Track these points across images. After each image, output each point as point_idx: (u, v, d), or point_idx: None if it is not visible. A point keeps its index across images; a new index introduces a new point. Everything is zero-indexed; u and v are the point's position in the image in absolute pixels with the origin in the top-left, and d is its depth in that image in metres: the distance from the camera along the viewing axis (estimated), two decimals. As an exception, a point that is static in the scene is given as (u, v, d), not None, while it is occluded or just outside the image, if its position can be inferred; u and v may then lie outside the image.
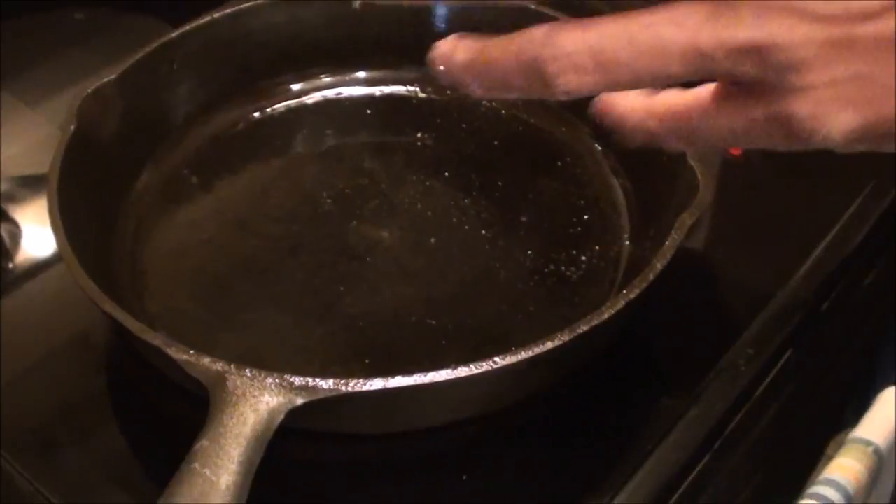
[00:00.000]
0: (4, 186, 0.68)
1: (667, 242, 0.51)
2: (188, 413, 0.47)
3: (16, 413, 0.54)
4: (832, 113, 0.37)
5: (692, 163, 0.54)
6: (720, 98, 0.40)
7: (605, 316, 0.48)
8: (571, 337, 0.47)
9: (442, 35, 0.67)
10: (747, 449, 0.56)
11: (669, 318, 0.58)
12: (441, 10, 0.68)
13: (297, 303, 0.57)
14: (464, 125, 0.68)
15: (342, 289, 0.58)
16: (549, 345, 0.46)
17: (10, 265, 0.64)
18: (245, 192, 0.64)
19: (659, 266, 0.50)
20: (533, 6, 0.64)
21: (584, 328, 0.47)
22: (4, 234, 0.66)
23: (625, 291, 0.49)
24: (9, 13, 0.77)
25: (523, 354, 0.46)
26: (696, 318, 0.59)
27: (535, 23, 0.42)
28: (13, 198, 0.67)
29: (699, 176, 0.53)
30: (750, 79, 0.38)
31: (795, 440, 0.66)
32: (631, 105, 0.44)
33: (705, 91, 0.41)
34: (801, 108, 0.37)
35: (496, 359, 0.46)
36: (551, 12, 0.65)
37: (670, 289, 0.51)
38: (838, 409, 0.72)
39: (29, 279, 0.62)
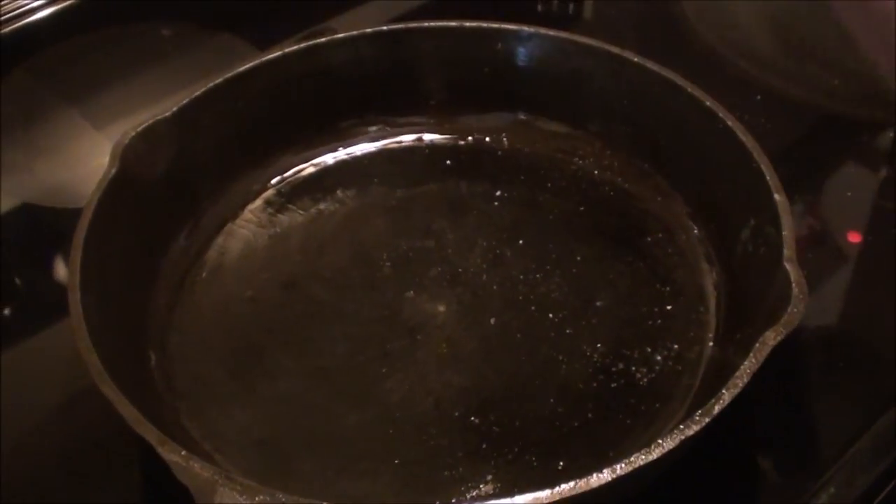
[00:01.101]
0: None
1: (743, 364, 0.44)
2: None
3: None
4: None
5: (787, 265, 0.47)
6: None
7: (654, 456, 0.41)
8: (610, 479, 0.40)
9: (530, 76, 0.63)
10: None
11: (750, 432, 0.51)
12: (525, 50, 0.62)
13: (332, 381, 0.52)
14: (549, 184, 0.62)
15: (384, 370, 0.52)
16: (581, 486, 0.40)
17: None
18: (300, 246, 0.59)
19: (727, 397, 0.43)
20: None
21: (625, 469, 0.41)
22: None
23: (681, 427, 0.42)
24: (95, 23, 0.73)
25: (544, 498, 0.40)
26: (783, 439, 0.52)
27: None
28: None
29: (793, 283, 0.46)
30: None
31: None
32: None
33: None
34: None
35: (514, 500, 0.40)
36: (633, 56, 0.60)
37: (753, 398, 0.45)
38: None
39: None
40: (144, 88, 0.70)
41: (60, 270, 0.62)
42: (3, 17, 0.71)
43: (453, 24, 0.63)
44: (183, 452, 0.42)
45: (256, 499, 0.40)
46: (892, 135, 0.68)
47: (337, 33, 0.63)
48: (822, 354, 0.55)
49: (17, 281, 0.62)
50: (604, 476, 0.40)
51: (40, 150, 0.66)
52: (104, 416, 0.52)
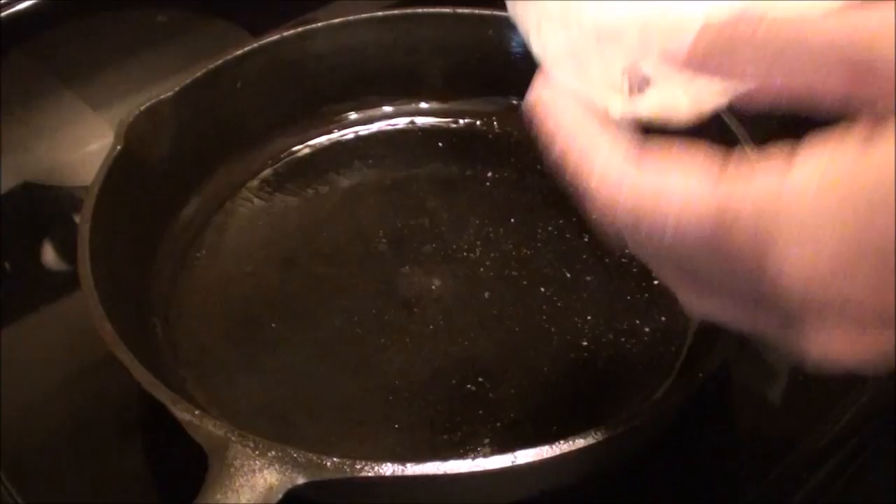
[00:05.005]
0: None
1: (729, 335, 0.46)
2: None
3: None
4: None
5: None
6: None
7: (647, 417, 0.43)
8: (605, 437, 0.42)
9: (522, 65, 0.64)
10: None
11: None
12: (516, 35, 0.64)
13: (333, 351, 0.54)
14: (539, 166, 0.64)
15: (383, 340, 0.54)
16: (578, 443, 0.42)
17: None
18: (297, 224, 0.61)
19: (713, 363, 0.45)
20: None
21: (621, 428, 0.43)
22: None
23: (671, 390, 0.44)
24: (90, 8, 0.75)
25: (545, 452, 0.42)
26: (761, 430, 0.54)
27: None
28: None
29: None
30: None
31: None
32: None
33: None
34: None
35: (516, 454, 0.42)
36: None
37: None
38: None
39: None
40: (141, 72, 0.71)
41: (59, 247, 0.63)
42: (1, 0, 0.72)
43: (446, 10, 0.64)
44: (197, 412, 0.43)
45: (269, 454, 0.42)
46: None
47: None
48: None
49: (17, 257, 0.63)
50: (599, 434, 0.42)
51: (39, 130, 0.68)
52: (103, 391, 0.55)
